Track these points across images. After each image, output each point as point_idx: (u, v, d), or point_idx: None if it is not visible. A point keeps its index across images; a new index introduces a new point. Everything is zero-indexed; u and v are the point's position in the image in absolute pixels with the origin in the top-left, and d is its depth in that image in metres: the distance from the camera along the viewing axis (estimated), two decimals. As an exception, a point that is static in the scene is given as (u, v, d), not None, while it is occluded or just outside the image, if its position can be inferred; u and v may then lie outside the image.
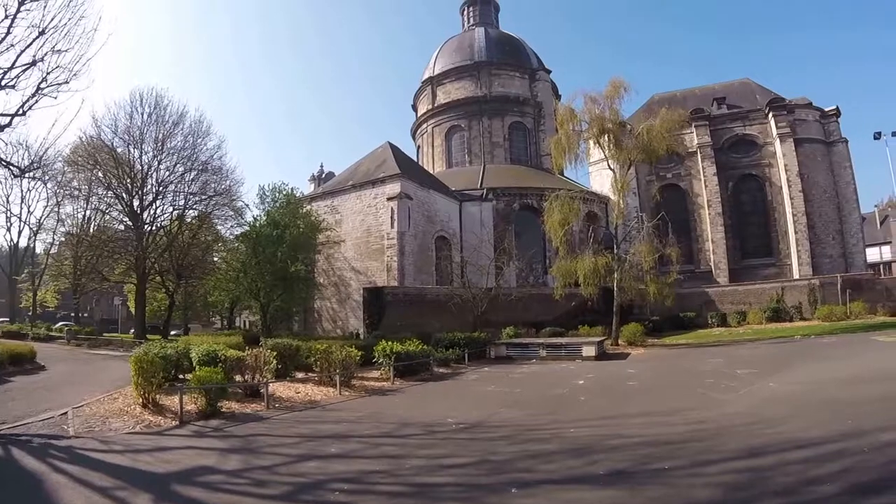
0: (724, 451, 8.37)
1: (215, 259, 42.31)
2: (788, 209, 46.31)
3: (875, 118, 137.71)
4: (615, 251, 33.22)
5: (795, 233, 45.65)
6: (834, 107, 49.10)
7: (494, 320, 33.33)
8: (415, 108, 69.58)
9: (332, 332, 39.83)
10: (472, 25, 69.47)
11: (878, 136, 37.43)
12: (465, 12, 72.21)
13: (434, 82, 64.55)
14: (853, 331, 29.04)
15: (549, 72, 65.00)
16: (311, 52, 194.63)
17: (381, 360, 20.93)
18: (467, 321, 32.43)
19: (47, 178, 35.45)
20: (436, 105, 63.71)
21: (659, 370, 21.73)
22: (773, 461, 7.62)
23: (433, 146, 63.24)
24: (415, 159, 60.53)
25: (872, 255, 70.75)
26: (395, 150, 46.92)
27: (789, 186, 46.26)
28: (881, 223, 79.49)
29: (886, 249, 76.42)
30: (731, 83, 55.47)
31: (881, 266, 73.60)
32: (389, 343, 21.63)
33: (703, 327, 37.37)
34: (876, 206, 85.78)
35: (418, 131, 66.94)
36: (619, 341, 31.00)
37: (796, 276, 43.71)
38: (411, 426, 11.81)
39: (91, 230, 41.13)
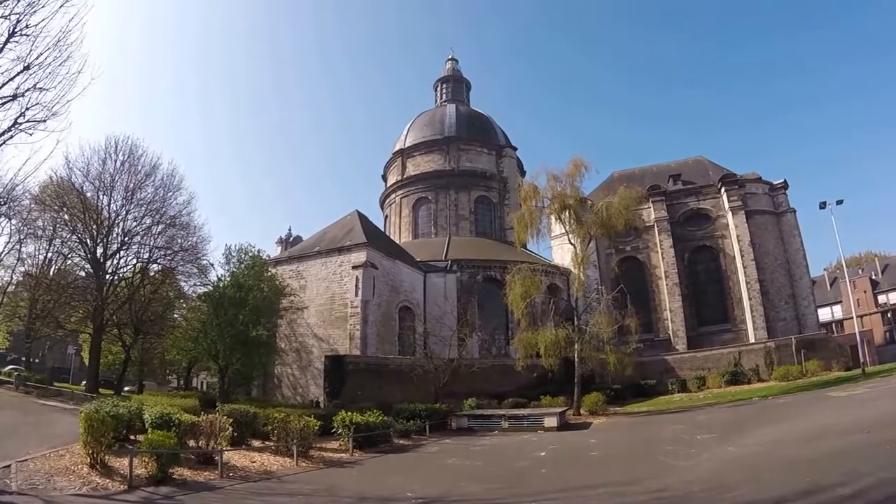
0: (684, 518, 8.49)
1: (176, 316, 41.17)
2: (742, 277, 48.15)
3: (822, 187, 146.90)
4: (576, 323, 33.74)
5: (749, 299, 47.26)
6: (782, 180, 52.05)
7: (457, 391, 33.09)
8: (385, 178, 71.00)
9: (291, 399, 38.73)
10: (445, 101, 72.66)
11: (823, 205, 39.64)
12: (439, 89, 75.72)
13: (405, 154, 66.30)
14: (809, 388, 29.99)
15: (515, 149, 67.67)
16: (293, 110, 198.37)
17: (340, 430, 20.65)
18: (429, 392, 32.16)
19: (13, 213, 34.33)
20: (405, 176, 65.13)
21: (620, 439, 21.86)
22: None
23: (401, 216, 64.17)
24: (382, 228, 61.26)
25: (825, 314, 74.40)
26: (363, 219, 47.46)
27: (742, 255, 48.33)
28: (831, 284, 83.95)
29: (837, 308, 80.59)
30: (686, 161, 58.48)
31: (833, 324, 77.20)
32: (349, 413, 21.39)
33: (663, 394, 37.71)
34: (825, 269, 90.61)
35: (387, 201, 68.01)
36: (581, 411, 31.02)
37: (752, 339, 44.92)
38: (368, 500, 11.65)
39: (51, 273, 39.75)
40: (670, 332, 48.88)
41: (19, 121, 13.09)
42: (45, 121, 13.30)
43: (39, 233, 37.11)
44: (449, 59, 77.72)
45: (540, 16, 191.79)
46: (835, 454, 12.27)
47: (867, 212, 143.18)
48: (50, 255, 39.64)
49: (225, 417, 16.53)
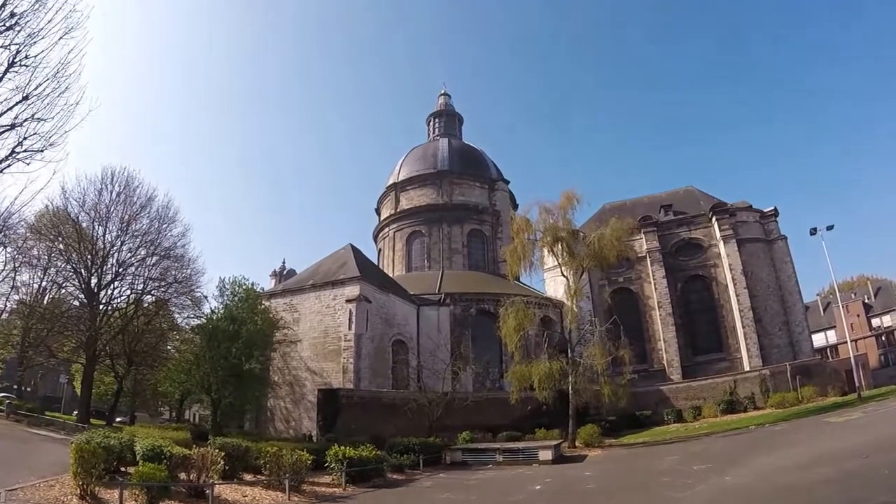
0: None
1: (169, 348, 41.05)
2: (735, 305, 48.22)
3: (812, 212, 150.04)
4: (570, 355, 33.72)
5: (743, 327, 47.24)
6: (772, 207, 52.47)
7: (450, 425, 32.83)
8: (378, 211, 71.48)
9: (284, 432, 38.32)
10: (437, 136, 73.75)
11: (813, 231, 39.97)
12: (431, 123, 77.02)
13: (398, 188, 66.97)
14: (805, 415, 29.84)
15: (507, 182, 68.48)
16: (288, 145, 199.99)
17: (333, 464, 20.48)
18: (423, 425, 31.91)
19: (8, 241, 34.43)
20: (399, 210, 65.67)
21: (616, 471, 21.67)
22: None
23: (394, 250, 64.39)
24: (376, 262, 61.39)
25: (819, 340, 74.48)
26: (357, 253, 47.54)
27: (735, 284, 48.51)
28: (824, 310, 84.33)
29: (832, 333, 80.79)
30: (677, 191, 59.15)
31: (828, 349, 77.36)
32: (342, 447, 21.21)
33: (659, 424, 37.39)
34: (818, 294, 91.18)
35: (380, 235, 68.36)
36: (577, 443, 30.77)
37: (747, 367, 44.71)
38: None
39: (45, 302, 39.57)
40: (665, 363, 48.78)
41: (17, 150, 13.23)
42: (42, 150, 13.45)
43: (34, 261, 37.12)
44: (441, 94, 79.11)
45: (531, 49, 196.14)
46: (833, 480, 12.26)
47: (859, 235, 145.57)
48: (44, 283, 39.68)
49: (217, 451, 16.42)
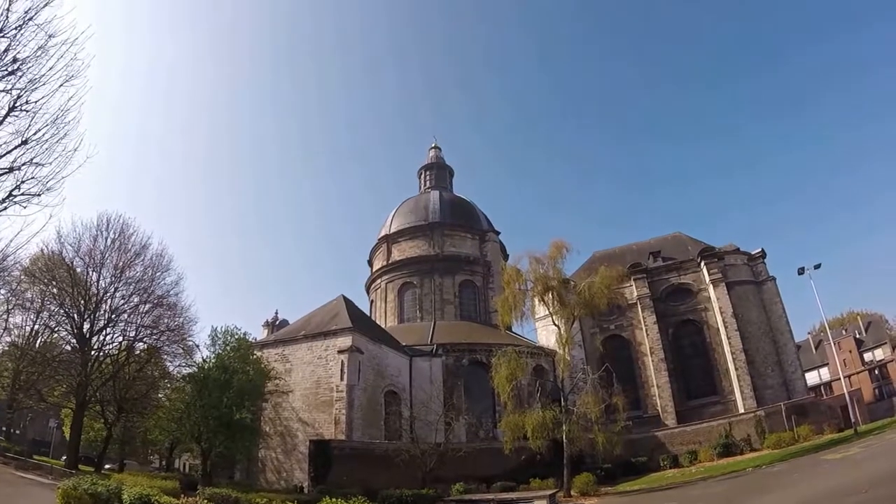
0: None
1: (160, 396, 40.60)
2: (727, 348, 48.19)
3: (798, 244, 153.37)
4: (563, 403, 33.56)
5: (736, 369, 47.05)
6: (759, 249, 53.06)
7: (444, 476, 32.47)
8: (370, 263, 71.96)
9: (275, 483, 37.71)
10: (428, 188, 75.04)
11: (801, 271, 40.49)
12: (422, 176, 78.53)
13: (390, 240, 67.66)
14: (803, 454, 29.70)
15: (497, 233, 69.45)
16: (282, 195, 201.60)
17: (324, 516, 20.18)
18: (416, 477, 31.62)
19: (2, 283, 34.41)
20: (390, 262, 66.14)
21: (613, 519, 21.44)
22: None
23: (386, 301, 64.53)
24: (368, 313, 61.36)
25: (812, 378, 74.31)
26: (349, 304, 47.69)
27: (726, 327, 48.54)
28: (816, 347, 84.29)
29: (825, 371, 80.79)
30: (665, 237, 59.78)
31: (822, 387, 76.92)
32: (334, 499, 20.96)
33: (655, 471, 36.81)
34: (809, 332, 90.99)
35: (372, 286, 68.57)
36: (572, 492, 30.30)
37: (741, 409, 44.41)
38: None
39: (37, 345, 39.35)
40: (659, 408, 48.42)
41: (14, 193, 13.49)
42: (39, 195, 13.71)
43: (27, 304, 37.13)
44: (432, 147, 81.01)
45: (519, 103, 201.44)
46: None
47: (846, 267, 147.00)
48: (37, 327, 39.56)
49: (206, 501, 16.35)
